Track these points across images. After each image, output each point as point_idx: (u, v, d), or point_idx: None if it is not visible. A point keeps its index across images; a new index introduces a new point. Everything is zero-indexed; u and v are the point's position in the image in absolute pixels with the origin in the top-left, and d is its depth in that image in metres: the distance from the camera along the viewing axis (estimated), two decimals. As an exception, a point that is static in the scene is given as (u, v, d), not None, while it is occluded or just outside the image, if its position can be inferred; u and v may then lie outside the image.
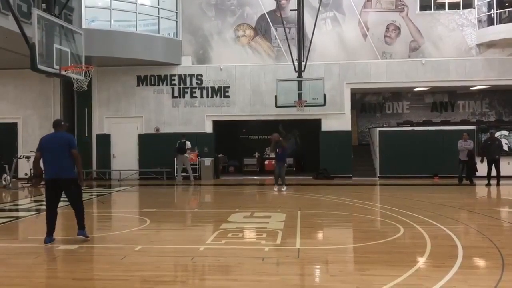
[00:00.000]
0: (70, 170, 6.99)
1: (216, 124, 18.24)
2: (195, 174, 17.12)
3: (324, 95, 16.16)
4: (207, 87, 17.85)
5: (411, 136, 17.30)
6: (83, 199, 7.50)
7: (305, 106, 16.22)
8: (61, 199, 7.32)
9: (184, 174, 16.64)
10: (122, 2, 16.51)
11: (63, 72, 9.94)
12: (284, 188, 13.91)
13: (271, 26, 17.79)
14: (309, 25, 16.90)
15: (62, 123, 7.41)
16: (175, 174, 17.01)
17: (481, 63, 17.17)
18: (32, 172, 15.65)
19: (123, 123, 17.93)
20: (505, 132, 17.09)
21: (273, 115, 17.52)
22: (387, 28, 17.65)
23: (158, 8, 17.38)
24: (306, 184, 15.90)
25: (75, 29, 11.15)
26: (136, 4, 16.66)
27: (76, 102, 18.23)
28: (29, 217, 10.13)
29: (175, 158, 16.64)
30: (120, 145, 17.88)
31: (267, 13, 17.82)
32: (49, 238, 6.99)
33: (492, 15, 17.32)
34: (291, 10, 17.50)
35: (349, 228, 8.65)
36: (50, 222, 7.04)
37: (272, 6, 17.77)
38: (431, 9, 17.85)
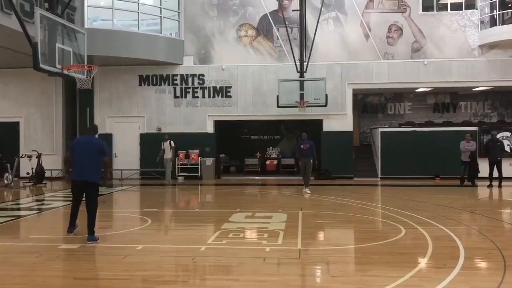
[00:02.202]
0: (94, 175, 7.21)
1: (218, 124, 18.24)
2: (185, 174, 17.19)
3: (326, 95, 16.14)
4: (209, 87, 17.85)
5: (413, 137, 17.28)
6: (97, 204, 7.42)
7: (306, 106, 16.20)
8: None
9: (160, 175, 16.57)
10: (124, 2, 16.52)
11: (65, 72, 9.96)
12: (308, 191, 13.13)
13: (273, 26, 17.79)
14: (311, 26, 16.89)
15: (97, 129, 8.03)
16: (176, 175, 17.03)
17: (484, 64, 17.13)
18: (34, 170, 15.76)
19: (125, 123, 17.94)
20: (507, 133, 17.05)
21: (275, 115, 17.52)
22: (389, 28, 17.62)
23: (160, 8, 17.40)
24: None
25: (78, 29, 11.17)
26: (139, 3, 16.65)
27: (78, 101, 18.25)
28: (30, 216, 10.15)
29: (169, 159, 16.10)
30: (122, 144, 17.90)
31: (269, 13, 17.81)
32: (71, 228, 7.45)
33: (495, 16, 17.29)
34: (293, 10, 17.49)
35: (351, 229, 8.64)
36: (73, 215, 7.44)
37: (274, 6, 17.77)
38: (433, 10, 17.82)
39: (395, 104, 20.55)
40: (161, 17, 17.36)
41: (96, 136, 7.84)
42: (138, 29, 16.72)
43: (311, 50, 16.59)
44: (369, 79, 17.38)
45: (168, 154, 16.02)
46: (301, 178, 13.89)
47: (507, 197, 13.02)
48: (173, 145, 16.09)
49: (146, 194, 14.36)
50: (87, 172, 7.10)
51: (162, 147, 16.02)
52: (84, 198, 7.32)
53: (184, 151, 17.54)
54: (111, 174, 7.74)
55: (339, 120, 17.41)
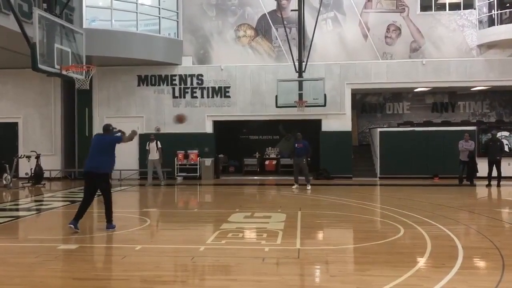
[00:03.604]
0: (103, 167, 7.89)
1: (217, 124, 18.24)
2: (184, 174, 17.26)
3: (325, 95, 16.16)
4: (208, 87, 17.85)
5: (411, 136, 17.29)
6: (111, 194, 8.21)
7: (305, 106, 16.21)
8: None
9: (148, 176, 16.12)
10: (123, 2, 16.51)
11: (63, 72, 9.94)
12: (308, 187, 14.11)
13: (272, 26, 17.80)
14: (310, 25, 16.89)
15: (110, 128, 8.42)
16: (175, 175, 17.05)
17: (482, 64, 17.16)
18: (33, 171, 15.74)
19: (124, 123, 17.71)
20: (506, 133, 17.08)
21: (274, 115, 17.52)
22: (388, 28, 17.64)
23: (159, 8, 17.39)
24: (306, 184, 15.86)
25: (76, 29, 11.16)
26: (137, 4, 16.64)
27: (77, 102, 18.22)
28: (29, 216, 10.14)
29: (156, 160, 15.72)
30: (121, 144, 17.70)
31: (267, 13, 17.82)
32: (74, 221, 7.70)
33: (493, 15, 17.31)
34: (291, 10, 17.49)
35: (349, 229, 8.64)
36: (81, 209, 7.84)
37: (273, 6, 17.77)
38: (431, 10, 17.83)
39: (393, 104, 20.56)
40: (159, 17, 17.34)
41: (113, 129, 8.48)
42: (137, 30, 16.70)
43: (309, 50, 16.61)
44: (367, 79, 17.39)
45: (155, 155, 15.63)
46: (304, 175, 14.37)
47: (505, 197, 13.04)
48: (159, 145, 15.68)
49: (145, 194, 14.35)
50: (97, 165, 7.77)
51: (148, 148, 15.74)
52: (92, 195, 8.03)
53: (183, 152, 17.55)
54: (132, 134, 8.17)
55: (338, 120, 17.42)
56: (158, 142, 15.75)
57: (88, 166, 7.88)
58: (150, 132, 17.62)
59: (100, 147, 7.96)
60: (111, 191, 8.25)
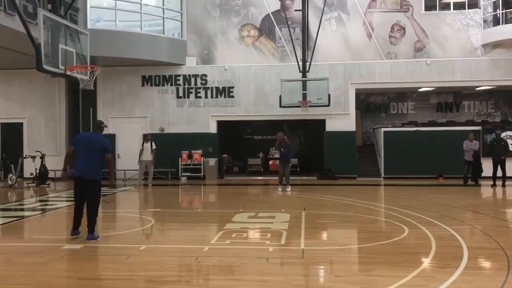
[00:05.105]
0: (95, 173, 7.15)
1: (221, 124, 18.25)
2: (188, 174, 17.21)
3: (329, 95, 16.15)
4: (212, 87, 17.87)
5: (416, 136, 17.25)
6: (99, 202, 7.55)
7: (309, 106, 16.21)
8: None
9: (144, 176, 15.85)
10: (127, 3, 16.56)
11: (68, 72, 9.98)
12: (288, 188, 13.95)
13: (276, 26, 17.79)
14: (314, 25, 16.88)
15: (102, 125, 7.60)
16: (180, 175, 17.02)
17: (487, 63, 17.09)
18: (38, 171, 15.79)
19: (128, 123, 17.96)
20: (511, 133, 16.99)
21: (278, 115, 17.52)
22: (392, 28, 17.60)
23: (163, 8, 17.43)
24: (311, 184, 15.89)
25: (80, 30, 11.20)
26: (141, 4, 16.70)
27: (81, 102, 18.27)
28: (34, 216, 10.18)
29: (150, 161, 15.52)
30: (125, 145, 17.91)
31: (271, 13, 17.82)
32: (74, 231, 7.26)
33: (498, 15, 17.24)
34: (295, 10, 17.50)
35: (354, 229, 8.63)
36: (76, 216, 7.26)
37: (277, 6, 17.78)
38: (436, 9, 17.80)
39: (398, 104, 20.53)
40: (163, 17, 17.38)
41: (104, 128, 7.63)
42: (141, 30, 16.75)
43: (313, 50, 16.60)
44: (371, 78, 17.37)
45: (148, 156, 15.47)
46: (285, 177, 14.08)
47: (511, 197, 12.98)
48: (154, 147, 15.50)
49: (149, 194, 14.38)
50: (88, 170, 7.08)
51: (142, 148, 15.62)
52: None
53: (187, 152, 17.58)
54: (114, 173, 7.42)
55: (342, 120, 17.40)
56: (153, 143, 15.59)
57: (80, 170, 7.09)
58: (155, 133, 17.68)
59: (95, 149, 7.13)
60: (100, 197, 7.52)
